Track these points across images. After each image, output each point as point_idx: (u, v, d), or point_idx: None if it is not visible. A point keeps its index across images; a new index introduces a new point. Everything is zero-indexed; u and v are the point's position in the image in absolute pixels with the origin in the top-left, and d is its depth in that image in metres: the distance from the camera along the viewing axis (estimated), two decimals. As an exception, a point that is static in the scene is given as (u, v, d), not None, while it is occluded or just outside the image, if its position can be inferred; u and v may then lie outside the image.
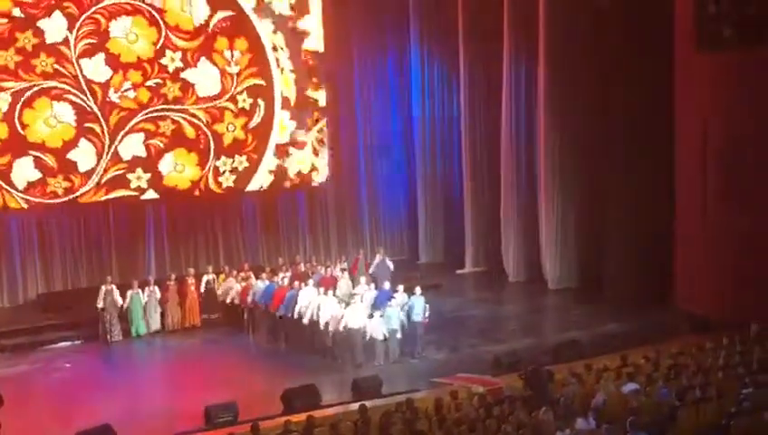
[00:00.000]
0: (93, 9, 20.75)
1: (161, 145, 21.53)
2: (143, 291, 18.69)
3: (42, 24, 20.20)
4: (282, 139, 23.16)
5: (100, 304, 18.20)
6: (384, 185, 25.55)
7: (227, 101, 22.31)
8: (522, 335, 17.81)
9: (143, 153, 21.31)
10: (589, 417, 10.23)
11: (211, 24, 22.13)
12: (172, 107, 21.59)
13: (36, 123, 20.19)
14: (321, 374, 15.19)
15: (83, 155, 20.64)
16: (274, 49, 22.97)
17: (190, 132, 21.88)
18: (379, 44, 25.13)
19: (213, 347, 18.15)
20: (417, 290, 16.71)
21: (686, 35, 17.45)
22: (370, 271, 20.16)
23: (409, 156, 25.70)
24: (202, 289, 19.41)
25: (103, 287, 18.35)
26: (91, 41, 20.73)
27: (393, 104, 25.54)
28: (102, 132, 20.76)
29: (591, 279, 20.67)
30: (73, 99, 20.46)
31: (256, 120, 22.75)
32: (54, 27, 20.33)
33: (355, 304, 16.29)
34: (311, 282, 17.76)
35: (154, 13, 21.46)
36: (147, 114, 21.27)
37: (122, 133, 20.99)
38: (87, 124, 20.62)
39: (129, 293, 18.51)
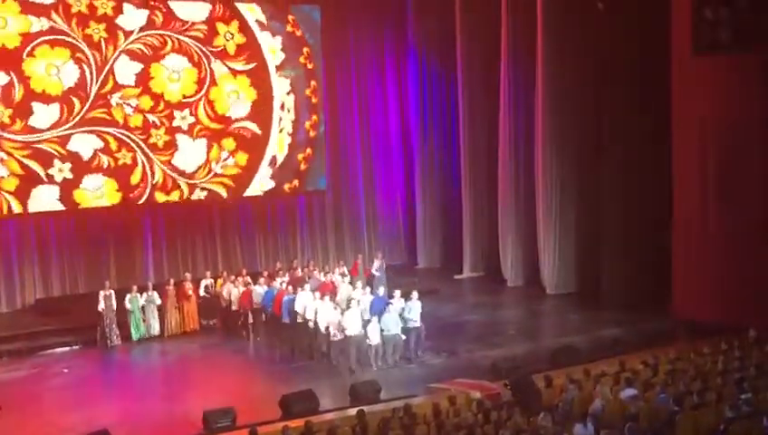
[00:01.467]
0: (174, 34, 21.12)
1: (105, 165, 20.85)
2: (142, 295, 18.67)
3: (127, 6, 20.68)
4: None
5: (100, 307, 18.19)
6: (382, 190, 25.55)
7: (187, 185, 21.91)
8: (520, 340, 17.79)
9: (87, 156, 20.61)
10: (587, 423, 10.22)
11: (234, 125, 22.30)
12: (145, 148, 21.26)
13: (40, 61, 20.00)
14: (318, 379, 15.19)
15: (44, 114, 20.10)
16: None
17: (136, 178, 21.23)
18: (378, 51, 25.12)
19: (211, 352, 18.11)
20: (414, 295, 16.68)
21: (683, 39, 17.49)
22: (372, 274, 20.18)
23: (408, 161, 25.73)
24: (201, 294, 19.41)
25: (102, 293, 18.34)
26: (145, 51, 20.95)
27: (391, 110, 25.55)
28: (77, 112, 20.43)
29: (589, 284, 20.65)
30: (86, 71, 20.40)
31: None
32: (133, 17, 20.82)
33: (353, 308, 16.28)
34: (307, 287, 17.76)
35: (208, 77, 21.78)
36: (121, 133, 20.97)
37: (89, 128, 20.60)
38: (73, 97, 20.37)
39: (127, 296, 18.50)
